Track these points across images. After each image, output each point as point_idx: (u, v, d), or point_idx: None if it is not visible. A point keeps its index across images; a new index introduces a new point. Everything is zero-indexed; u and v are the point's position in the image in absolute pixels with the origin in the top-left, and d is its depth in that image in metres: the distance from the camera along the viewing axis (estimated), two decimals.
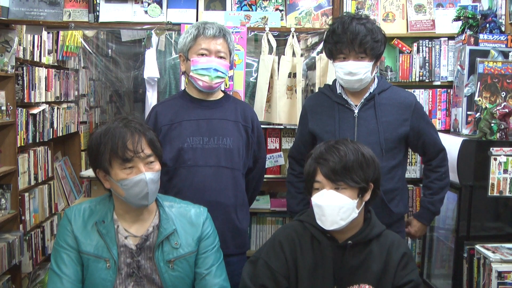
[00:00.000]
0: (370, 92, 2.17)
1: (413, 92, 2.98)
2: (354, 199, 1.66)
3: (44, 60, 3.86)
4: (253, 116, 2.29)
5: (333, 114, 2.18)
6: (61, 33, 3.97)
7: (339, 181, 1.65)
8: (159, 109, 2.22)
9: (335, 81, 2.25)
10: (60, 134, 4.12)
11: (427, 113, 2.99)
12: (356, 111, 2.16)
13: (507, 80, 2.62)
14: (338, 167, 1.64)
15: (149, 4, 2.91)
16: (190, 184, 2.11)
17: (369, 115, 2.15)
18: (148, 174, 1.66)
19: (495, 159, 2.37)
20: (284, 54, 2.91)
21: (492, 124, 2.41)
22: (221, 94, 2.26)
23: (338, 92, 2.21)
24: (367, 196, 1.71)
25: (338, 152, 1.66)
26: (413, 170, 3.03)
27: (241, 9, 2.95)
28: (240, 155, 2.18)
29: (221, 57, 2.14)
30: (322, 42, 2.87)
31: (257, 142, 2.30)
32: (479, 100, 2.64)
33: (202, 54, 2.13)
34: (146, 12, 2.91)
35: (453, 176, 2.49)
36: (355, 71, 2.08)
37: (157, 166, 1.71)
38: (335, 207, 1.64)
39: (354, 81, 2.10)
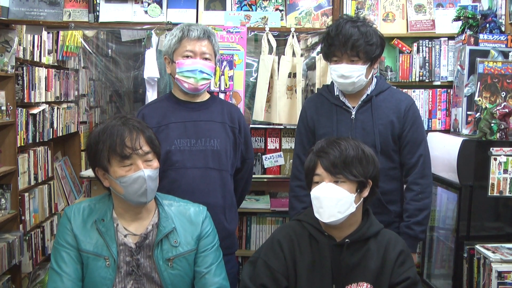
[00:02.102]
0: (367, 94, 2.17)
1: (413, 92, 2.99)
2: (352, 193, 1.67)
3: (44, 60, 3.87)
4: (240, 117, 2.29)
5: (331, 116, 2.18)
6: (61, 33, 3.97)
7: (339, 174, 1.67)
8: (145, 111, 2.22)
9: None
10: (60, 134, 4.12)
11: (427, 113, 3.00)
12: (353, 113, 2.17)
13: (507, 80, 2.62)
14: (338, 160, 1.67)
15: (149, 4, 2.91)
16: (178, 186, 2.11)
17: (366, 117, 2.15)
18: (146, 171, 1.66)
19: (495, 159, 2.37)
20: (284, 54, 2.91)
21: (492, 124, 2.41)
22: (207, 96, 2.26)
23: (335, 94, 2.22)
24: (366, 193, 1.73)
25: (339, 146, 1.69)
26: None
27: (241, 9, 2.95)
28: (227, 156, 2.19)
29: (206, 59, 2.14)
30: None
31: (244, 142, 2.30)
32: (479, 100, 2.63)
33: (187, 56, 2.13)
34: (146, 12, 2.91)
35: (453, 176, 2.49)
36: (347, 74, 2.08)
37: (155, 163, 1.71)
38: (333, 199, 1.66)
39: (347, 84, 2.11)
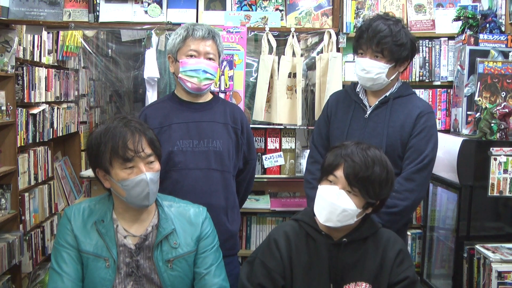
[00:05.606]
0: (386, 96, 2.15)
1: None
2: (358, 208, 1.65)
3: (44, 60, 3.87)
4: (242, 118, 2.28)
5: (348, 111, 2.19)
6: (61, 33, 3.97)
7: (355, 187, 1.63)
8: (148, 112, 2.22)
9: None
10: (60, 134, 4.12)
11: None
12: (368, 112, 2.15)
13: (507, 80, 2.62)
14: (362, 174, 1.62)
15: (149, 4, 2.91)
16: (181, 187, 2.11)
17: (379, 118, 2.13)
18: (148, 174, 1.65)
19: (495, 159, 2.37)
20: (284, 54, 2.91)
21: (492, 124, 2.41)
22: (210, 96, 2.26)
23: (357, 90, 2.22)
24: (369, 210, 1.71)
25: (367, 158, 1.63)
26: None
27: (241, 9, 2.95)
28: (230, 157, 2.19)
29: (210, 59, 2.14)
30: (322, 42, 2.89)
31: (246, 143, 2.30)
32: (479, 100, 2.63)
33: (191, 56, 2.12)
34: (146, 12, 2.91)
35: (453, 176, 2.49)
36: (367, 69, 2.08)
37: (157, 165, 1.71)
38: (338, 208, 1.64)
39: (366, 79, 2.11)
